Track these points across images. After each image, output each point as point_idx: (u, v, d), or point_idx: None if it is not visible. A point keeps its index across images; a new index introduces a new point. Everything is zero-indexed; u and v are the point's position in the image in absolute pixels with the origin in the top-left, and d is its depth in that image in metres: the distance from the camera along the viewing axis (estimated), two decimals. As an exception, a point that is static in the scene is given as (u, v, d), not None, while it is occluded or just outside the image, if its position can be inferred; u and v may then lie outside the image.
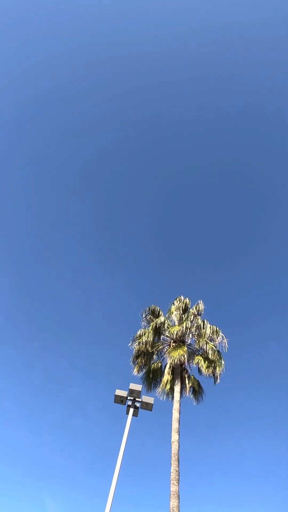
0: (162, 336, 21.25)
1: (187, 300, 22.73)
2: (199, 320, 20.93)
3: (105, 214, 54.83)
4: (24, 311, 50.38)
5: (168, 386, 19.53)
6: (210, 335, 20.38)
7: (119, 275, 55.44)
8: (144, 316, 21.97)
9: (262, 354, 49.61)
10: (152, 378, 20.77)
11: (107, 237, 55.06)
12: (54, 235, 53.33)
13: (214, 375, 19.52)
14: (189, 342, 20.96)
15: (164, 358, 20.89)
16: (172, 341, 20.91)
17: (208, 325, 20.63)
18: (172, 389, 19.35)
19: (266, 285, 53.56)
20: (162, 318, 21.19)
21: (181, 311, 22.34)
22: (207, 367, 19.44)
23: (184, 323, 20.55)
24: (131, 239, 55.18)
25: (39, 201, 52.82)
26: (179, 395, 18.44)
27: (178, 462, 16.16)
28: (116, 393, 13.62)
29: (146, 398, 13.68)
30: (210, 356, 19.68)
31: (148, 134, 53.14)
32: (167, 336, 21.23)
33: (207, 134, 52.66)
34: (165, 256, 56.09)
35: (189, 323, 20.66)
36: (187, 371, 20.26)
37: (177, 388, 18.73)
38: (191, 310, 21.67)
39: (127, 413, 13.34)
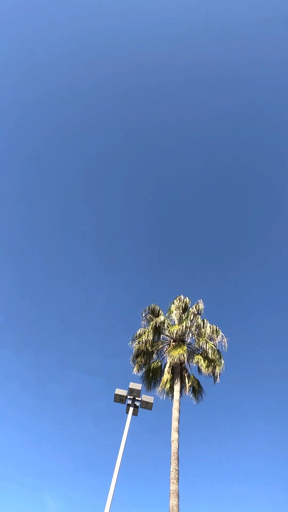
0: (162, 335, 21.26)
1: (187, 299, 22.75)
2: (199, 319, 20.95)
3: (105, 214, 54.90)
4: (24, 311, 50.44)
5: (168, 385, 19.54)
6: (210, 334, 20.39)
7: (119, 274, 55.53)
8: (144, 315, 22.01)
9: (262, 353, 49.67)
10: (152, 377, 20.78)
11: (107, 236, 55.13)
12: (54, 235, 53.40)
13: (214, 374, 19.54)
14: (189, 341, 20.99)
15: (164, 357, 20.93)
16: (172, 340, 20.92)
17: (208, 325, 20.64)
18: (171, 388, 19.36)
19: (266, 285, 53.65)
20: (162, 317, 21.20)
21: (181, 311, 22.34)
22: (207, 366, 19.45)
23: (184, 322, 20.56)
24: (131, 238, 55.24)
25: (39, 201, 52.89)
26: (178, 394, 18.45)
27: (178, 461, 16.17)
28: (116, 392, 13.62)
29: (146, 397, 13.69)
30: (210, 355, 19.68)
31: (148, 134, 53.20)
32: (167, 335, 21.24)
33: (207, 134, 52.71)
34: (165, 255, 56.17)
35: (189, 323, 20.67)
36: (187, 370, 20.28)
37: (176, 387, 18.74)
38: (191, 309, 21.68)
39: (127, 412, 13.35)
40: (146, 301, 47.46)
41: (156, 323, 20.74)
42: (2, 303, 47.64)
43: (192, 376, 20.33)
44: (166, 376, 19.59)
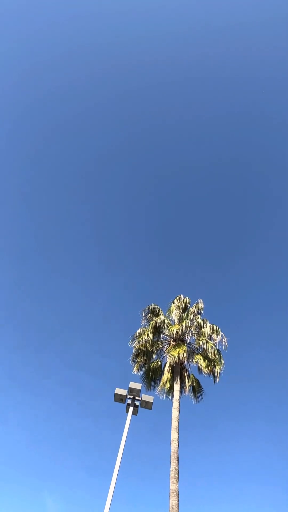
0: (162, 335, 21.26)
1: (187, 299, 22.75)
2: (199, 319, 20.95)
3: (105, 214, 54.90)
4: (24, 310, 50.43)
5: (167, 385, 19.55)
6: (210, 334, 20.39)
7: (119, 274, 55.53)
8: (144, 315, 22.00)
9: (261, 353, 49.65)
10: (151, 376, 20.78)
11: (107, 236, 55.14)
12: (54, 235, 53.41)
13: (213, 374, 19.54)
14: (188, 341, 20.99)
15: (164, 356, 20.93)
16: (172, 340, 20.92)
17: (208, 324, 20.64)
18: (171, 388, 19.36)
19: (265, 285, 53.65)
20: (162, 317, 21.20)
21: (181, 310, 22.34)
22: (207, 366, 19.46)
23: (184, 322, 20.56)
24: (131, 238, 55.25)
25: (39, 201, 52.89)
26: (178, 394, 18.46)
27: (178, 461, 16.18)
28: (115, 392, 13.62)
29: (146, 397, 13.68)
30: (209, 355, 19.68)
31: (148, 134, 53.20)
32: (166, 335, 21.24)
33: (207, 134, 52.73)
34: (165, 255, 56.18)
35: (189, 322, 20.67)
36: (186, 370, 20.28)
37: (176, 387, 18.75)
38: (191, 309, 21.67)
39: (127, 411, 13.34)
40: (146, 300, 47.48)
41: (156, 322, 20.74)
42: (2, 302, 47.66)
43: (192, 375, 20.33)
44: (166, 375, 19.59)
